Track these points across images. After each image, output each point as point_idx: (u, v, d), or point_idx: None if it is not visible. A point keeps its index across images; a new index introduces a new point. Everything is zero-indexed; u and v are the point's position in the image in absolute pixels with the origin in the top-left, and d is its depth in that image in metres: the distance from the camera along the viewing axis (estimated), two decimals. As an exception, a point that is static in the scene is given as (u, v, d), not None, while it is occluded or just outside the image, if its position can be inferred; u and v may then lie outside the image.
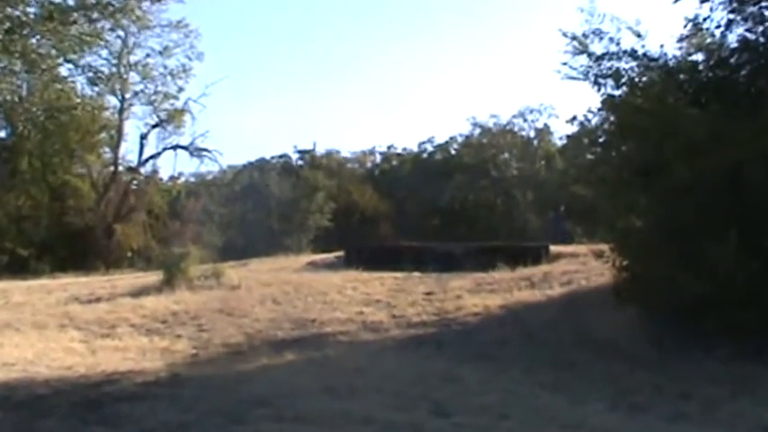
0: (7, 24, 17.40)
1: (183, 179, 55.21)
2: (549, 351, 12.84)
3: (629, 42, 14.62)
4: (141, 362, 12.71)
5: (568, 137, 59.75)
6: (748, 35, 14.14)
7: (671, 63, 14.44)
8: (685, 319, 12.56)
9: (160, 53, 41.48)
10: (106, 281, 23.56)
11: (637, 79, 14.71)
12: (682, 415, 9.44)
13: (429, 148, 70.22)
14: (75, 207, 40.57)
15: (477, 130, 66.51)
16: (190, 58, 42.05)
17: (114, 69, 40.36)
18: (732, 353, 11.84)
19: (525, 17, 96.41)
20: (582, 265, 18.98)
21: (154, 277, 21.41)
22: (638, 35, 14.57)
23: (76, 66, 39.28)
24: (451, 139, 68.95)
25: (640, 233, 13.91)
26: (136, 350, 13.79)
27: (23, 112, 35.97)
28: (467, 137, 67.44)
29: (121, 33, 40.34)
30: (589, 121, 42.47)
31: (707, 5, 14.52)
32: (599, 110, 16.17)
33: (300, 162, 70.93)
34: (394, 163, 72.69)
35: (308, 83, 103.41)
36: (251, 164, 69.88)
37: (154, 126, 42.80)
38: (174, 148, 43.55)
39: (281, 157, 70.96)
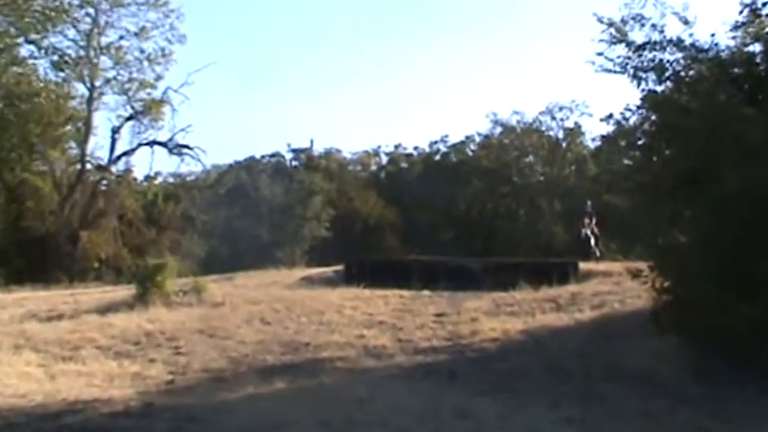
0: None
1: (160, 180, 55.19)
2: (576, 383, 12.79)
3: (674, 30, 14.63)
4: (108, 389, 12.69)
5: (602, 138, 59.54)
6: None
7: (723, 55, 14.40)
8: (737, 349, 12.49)
9: (136, 35, 41.68)
10: (69, 295, 23.52)
11: (683, 73, 14.69)
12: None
13: (442, 148, 70.34)
14: (35, 210, 40.51)
15: (498, 129, 66.62)
16: (170, 41, 42.25)
17: (83, 52, 40.69)
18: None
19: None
20: (616, 286, 18.93)
21: (125, 292, 21.40)
22: (686, 22, 14.57)
23: (39, 47, 39.83)
24: (468, 138, 69.10)
25: (684, 250, 13.86)
26: (102, 376, 13.76)
27: (-24, 99, 36.16)
28: (486, 136, 67.53)
29: (91, 11, 40.89)
30: (627, 120, 42.07)
31: (766, -11, 14.47)
32: (638, 108, 16.09)
33: (295, 162, 71.09)
34: (402, 165, 72.72)
35: (305, 72, 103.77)
36: (238, 164, 69.95)
37: (128, 119, 42.84)
38: (151, 144, 43.60)
39: (272, 156, 71.16)
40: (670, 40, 14.55)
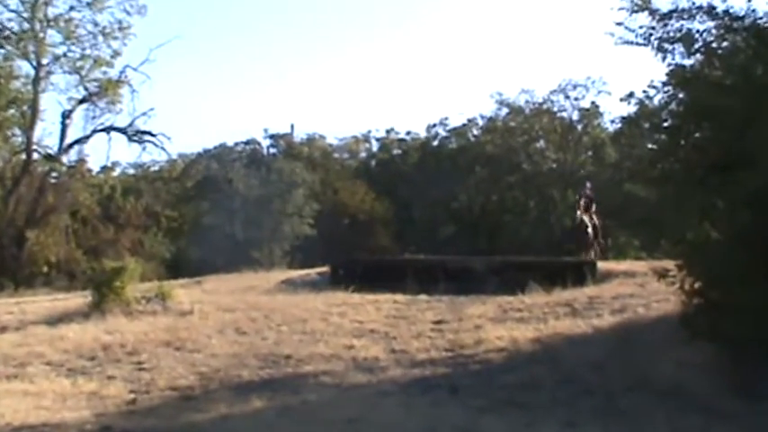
0: None
1: (118, 171, 55.32)
2: (595, 398, 12.81)
3: (705, -5, 14.62)
4: (60, 411, 12.65)
5: (623, 120, 59.75)
6: None
7: (761, 23, 14.38)
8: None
9: (88, 5, 41.66)
10: (14, 304, 23.53)
11: (715, 44, 14.68)
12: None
13: (441, 132, 70.30)
14: (-27, 206, 40.48)
15: (504, 111, 66.54)
16: (128, 13, 42.27)
17: (27, 25, 40.57)
18: None
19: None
20: (639, 288, 19.00)
21: (79, 299, 21.38)
22: (719, -14, 14.56)
23: (-26, 19, 39.60)
24: (470, 121, 69.03)
25: (718, 246, 13.85)
26: (53, 396, 13.70)
27: None
28: (490, 119, 67.47)
29: (36, -23, 40.72)
30: (650, 99, 42.45)
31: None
32: (664, 85, 16.13)
33: (273, 150, 70.97)
34: (395, 152, 72.75)
35: (283, 48, 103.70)
36: (208, 152, 69.77)
37: (80, 101, 42.82)
38: (108, 130, 43.60)
39: (247, 143, 70.93)
40: (700, 7, 14.54)
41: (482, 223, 59.81)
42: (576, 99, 64.98)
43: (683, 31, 14.67)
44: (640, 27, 15.07)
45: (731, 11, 14.41)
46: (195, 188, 64.25)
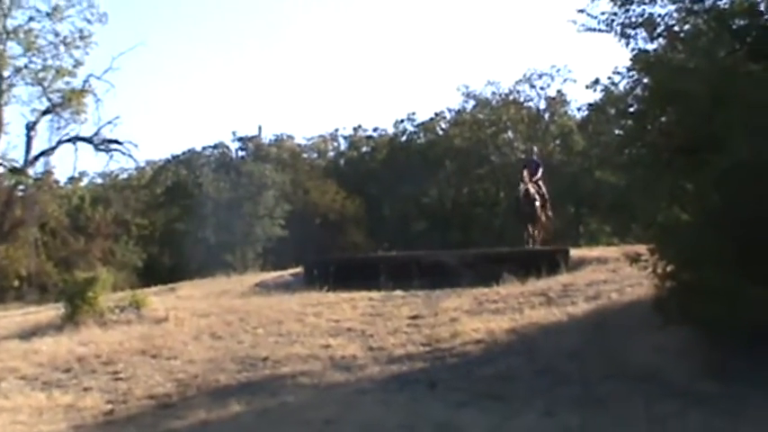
0: None
1: (86, 181, 55.03)
2: (573, 387, 12.84)
3: (665, -20, 14.70)
4: (37, 425, 12.66)
5: (589, 107, 60.03)
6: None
7: (722, 5, 14.47)
8: (757, 342, 12.55)
9: (48, 15, 41.42)
10: (-14, 319, 23.39)
11: (677, 28, 14.78)
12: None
13: (408, 128, 70.23)
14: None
15: (471, 103, 66.65)
16: (89, 21, 42.05)
17: (-15, 37, 40.20)
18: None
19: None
20: (612, 274, 19.06)
21: (51, 312, 21.28)
22: (677, -31, 14.65)
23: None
24: (438, 115, 69.08)
25: (688, 229, 13.90)
26: (29, 410, 13.69)
27: None
28: (457, 112, 67.54)
29: (-7, -13, 40.44)
30: (616, 85, 42.64)
31: None
32: (628, 70, 16.29)
33: (242, 153, 70.76)
34: (363, 149, 72.71)
35: (248, 50, 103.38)
36: (176, 158, 69.58)
37: (44, 112, 42.59)
38: (73, 140, 43.36)
39: (215, 147, 70.70)
40: (661, -9, 14.64)
41: (454, 217, 59.93)
42: (541, 88, 65.23)
43: (645, 15, 14.79)
44: (602, 13, 15.20)
45: (692, -6, 14.52)
46: (165, 195, 64.06)
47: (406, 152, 67.04)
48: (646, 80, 15.51)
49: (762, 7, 14.48)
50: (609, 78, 50.33)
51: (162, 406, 13.61)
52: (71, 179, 48.99)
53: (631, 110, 16.88)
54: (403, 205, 61.97)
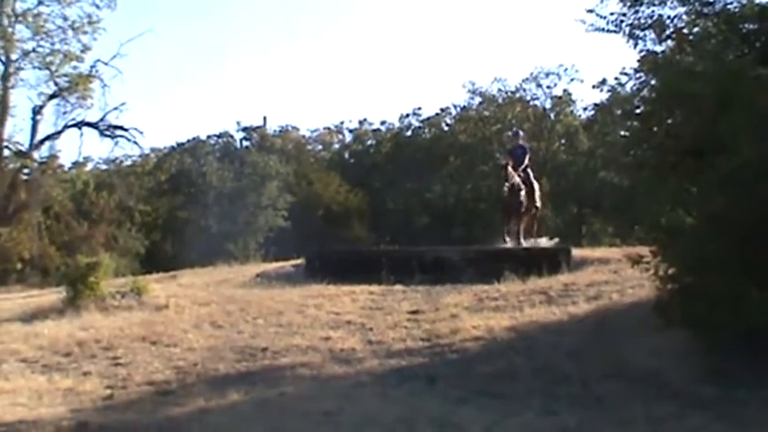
0: None
1: (90, 166, 55.04)
2: (572, 386, 12.84)
3: (675, -19, 14.67)
4: (37, 408, 12.63)
5: (596, 107, 60.02)
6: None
7: (732, 8, 14.44)
8: (757, 346, 12.53)
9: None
10: (-12, 301, 23.42)
11: (686, 30, 14.74)
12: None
13: (414, 123, 70.26)
14: (-57, 204, 40.19)
15: (477, 100, 66.53)
16: (98, 6, 41.95)
17: (-6, 21, 40.18)
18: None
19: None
20: (614, 274, 19.05)
21: (53, 296, 21.29)
22: (688, -29, 14.62)
23: (-60, 14, 39.31)
24: (443, 111, 68.99)
25: (691, 232, 13.89)
26: (29, 393, 13.66)
27: None
28: (463, 108, 67.45)
29: (3, -30, 40.44)
30: (622, 86, 42.71)
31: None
32: (636, 71, 16.27)
33: (246, 143, 70.81)
34: (368, 143, 72.72)
35: (255, 40, 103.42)
36: (181, 146, 69.57)
37: (51, 97, 42.51)
38: (79, 125, 43.29)
39: (220, 136, 70.75)
40: (671, -7, 14.61)
41: (457, 213, 59.80)
42: (548, 87, 65.03)
43: (655, 17, 14.75)
44: (611, 14, 15.17)
45: (702, -4, 14.48)
46: (169, 182, 64.02)
47: (411, 147, 66.99)
48: (653, 82, 15.51)
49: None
50: (616, 79, 50.49)
51: (161, 393, 13.59)
52: (76, 164, 49.11)
53: (638, 111, 16.87)
54: (406, 200, 61.92)
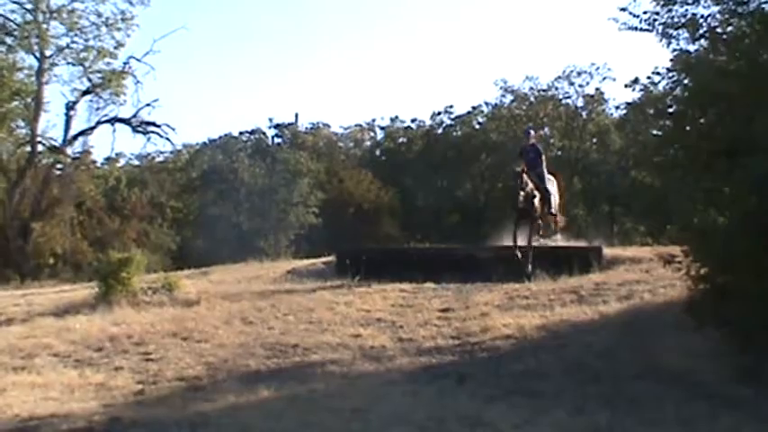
0: None
1: (123, 162, 55.28)
2: (602, 386, 12.80)
3: (710, -20, 14.57)
4: (68, 402, 12.67)
5: (628, 106, 59.70)
6: None
7: (766, 8, 14.33)
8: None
9: (91, -5, 41.50)
10: (21, 296, 23.57)
11: (720, 29, 14.64)
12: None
13: (446, 120, 70.23)
14: (-23, 199, 40.43)
15: (509, 98, 66.49)
16: (131, 3, 42.15)
17: (30, 17, 40.51)
18: None
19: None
20: (645, 274, 19.00)
21: (85, 291, 21.40)
22: (722, -30, 14.52)
23: (-23, 11, 39.58)
24: (475, 109, 68.95)
25: (724, 232, 13.82)
26: (61, 387, 13.73)
27: None
28: (495, 106, 67.38)
29: (39, -33, 40.68)
30: (655, 85, 42.26)
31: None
32: (669, 71, 16.11)
33: (278, 140, 70.97)
34: (400, 140, 72.68)
35: (287, 38, 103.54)
36: (213, 142, 69.81)
37: (84, 93, 42.74)
38: (112, 121, 43.52)
39: (252, 133, 70.94)
40: (705, -8, 14.52)
41: (487, 211, 59.68)
42: (580, 86, 64.95)
43: (688, 16, 14.64)
44: (644, 12, 15.05)
45: (736, -5, 14.38)
46: (200, 179, 64.25)
47: (443, 145, 66.97)
48: (686, 81, 15.39)
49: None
50: (648, 78, 49.91)
51: (192, 388, 13.62)
52: (108, 160, 49.28)
53: (670, 110, 16.73)
54: (437, 198, 61.86)
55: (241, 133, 69.53)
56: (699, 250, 13.82)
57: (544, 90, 65.16)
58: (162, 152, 57.88)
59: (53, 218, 42.67)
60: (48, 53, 41.42)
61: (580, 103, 65.42)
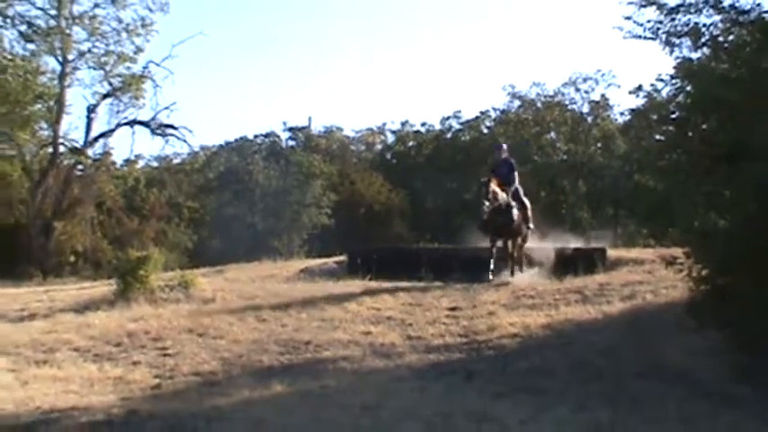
0: None
1: (142, 163, 55.37)
2: (605, 383, 12.77)
3: (711, -10, 14.54)
4: (88, 396, 12.70)
5: (632, 112, 59.64)
6: None
7: (767, 17, 14.30)
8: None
9: (112, 2, 41.73)
10: (43, 292, 23.62)
11: (721, 38, 14.61)
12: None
13: (454, 125, 70.32)
14: (3, 198, 40.43)
15: (516, 103, 66.47)
16: (151, 10, 42.19)
17: (53, 22, 40.61)
18: None
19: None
20: (648, 275, 18.97)
21: (104, 288, 21.45)
22: (725, -20, 14.48)
23: (4, 16, 39.80)
24: (483, 114, 69.04)
25: (724, 234, 13.79)
26: (81, 381, 13.77)
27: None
28: (502, 111, 67.38)
29: (62, -26, 40.80)
30: (658, 91, 42.23)
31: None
32: (672, 78, 16.04)
33: (292, 143, 71.13)
34: (410, 144, 72.77)
35: (302, 44, 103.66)
36: (229, 145, 70.02)
37: (105, 96, 42.78)
38: (131, 123, 43.57)
39: (267, 136, 71.11)
40: (706, 1, 14.46)
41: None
42: (585, 92, 64.93)
43: (690, 25, 14.60)
44: (648, 21, 15.01)
45: (737, 5, 14.32)
46: (216, 180, 64.39)
47: (451, 148, 66.97)
48: (689, 88, 15.35)
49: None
50: (652, 85, 50.12)
51: (207, 383, 13.63)
52: (128, 161, 49.35)
53: (673, 116, 16.69)
54: (446, 199, 61.82)
55: (256, 136, 69.81)
56: (700, 252, 13.79)
57: (551, 96, 65.16)
58: (179, 154, 57.85)
59: (74, 217, 42.74)
60: (70, 57, 41.50)
61: (585, 108, 65.42)
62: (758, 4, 14.23)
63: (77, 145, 43.06)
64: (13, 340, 16.47)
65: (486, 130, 68.38)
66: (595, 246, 25.52)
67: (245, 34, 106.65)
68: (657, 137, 19.98)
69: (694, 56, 14.86)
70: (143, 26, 42.00)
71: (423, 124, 72.54)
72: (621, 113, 63.91)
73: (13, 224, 39.55)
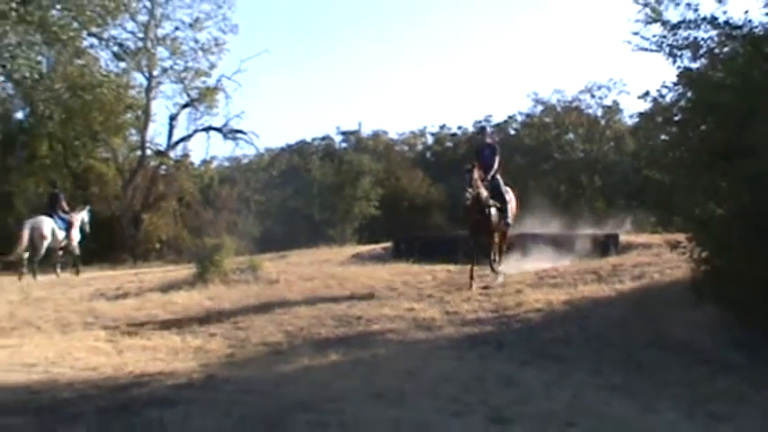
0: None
1: (216, 163, 55.61)
2: (618, 351, 12.74)
3: (708, 8, 14.37)
4: (173, 362, 12.81)
5: (640, 115, 58.88)
6: None
7: (757, 31, 14.16)
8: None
9: (190, 26, 41.95)
10: (134, 274, 23.86)
11: (717, 50, 14.47)
12: (769, 427, 9.32)
13: (486, 127, 69.78)
14: (100, 194, 40.81)
15: (539, 108, 66.17)
16: (223, 31, 42.48)
17: (141, 44, 41.01)
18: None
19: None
20: (655, 257, 18.82)
21: (185, 271, 21.61)
22: (719, 0, 14.36)
23: (100, 39, 40.33)
24: (510, 117, 68.81)
25: (721, 221, 13.69)
26: (167, 350, 13.92)
27: (44, 90, 36.43)
28: (527, 115, 67.11)
29: (148, 4, 41.29)
30: (663, 97, 41.82)
31: (800, -39, 14.16)
32: (674, 85, 15.89)
33: (344, 144, 71.19)
34: (447, 144, 72.57)
35: (352, 58, 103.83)
36: (290, 147, 70.34)
37: (184, 106, 43.10)
38: (207, 129, 43.86)
39: (323, 139, 71.41)
40: (704, 18, 14.32)
41: (521, 205, 59.39)
42: (600, 98, 64.64)
43: (690, 39, 14.47)
44: (653, 36, 14.89)
45: (731, 21, 14.18)
46: (280, 177, 64.60)
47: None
48: (689, 94, 15.23)
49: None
50: (657, 91, 48.86)
51: (273, 352, 13.71)
52: (204, 161, 49.60)
53: (676, 119, 16.54)
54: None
55: (313, 139, 70.23)
56: (700, 237, 13.71)
57: (569, 101, 64.88)
58: (248, 155, 58.09)
59: (159, 210, 43.14)
60: (155, 73, 41.89)
61: (600, 112, 65.01)
62: (749, 21, 14.12)
63: (161, 148, 43.56)
64: (111, 315, 16.65)
65: (513, 132, 68.14)
66: (609, 233, 25.39)
67: (305, 50, 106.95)
68: (662, 137, 19.81)
69: (694, 66, 14.74)
70: (216, 45, 42.29)
71: (458, 127, 72.55)
72: (631, 116, 63.37)
73: (109, 216, 39.80)
